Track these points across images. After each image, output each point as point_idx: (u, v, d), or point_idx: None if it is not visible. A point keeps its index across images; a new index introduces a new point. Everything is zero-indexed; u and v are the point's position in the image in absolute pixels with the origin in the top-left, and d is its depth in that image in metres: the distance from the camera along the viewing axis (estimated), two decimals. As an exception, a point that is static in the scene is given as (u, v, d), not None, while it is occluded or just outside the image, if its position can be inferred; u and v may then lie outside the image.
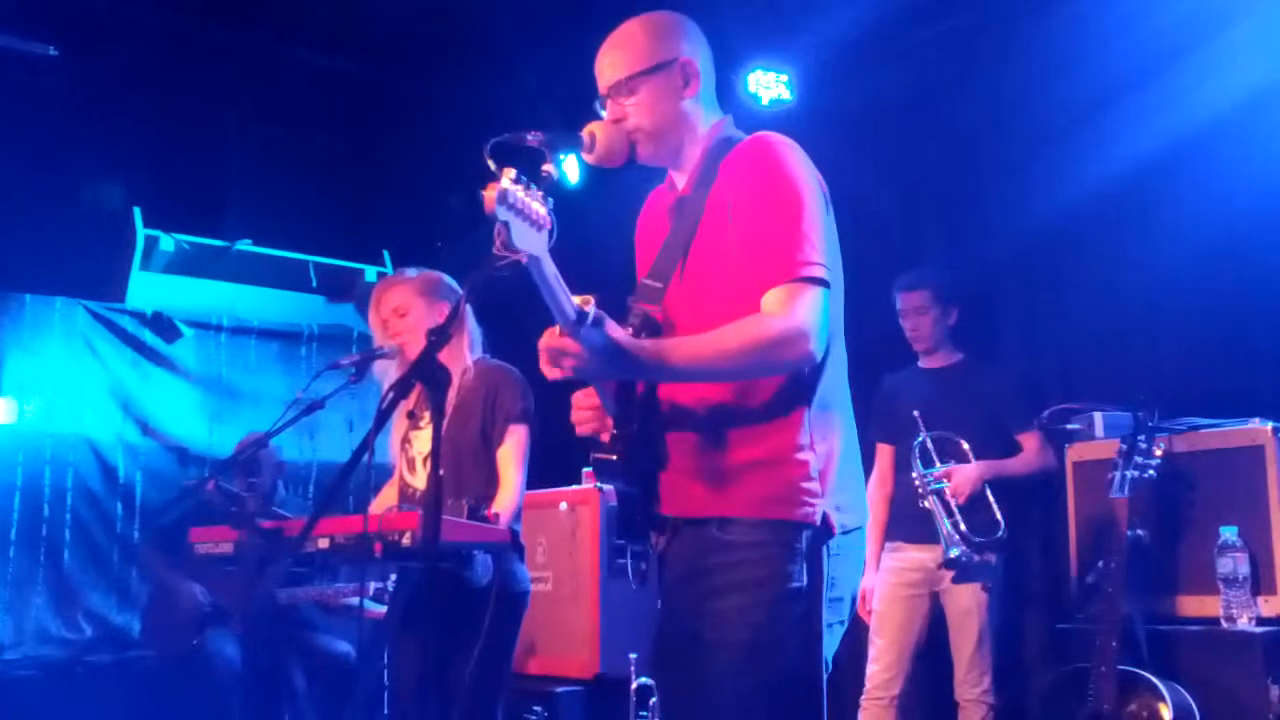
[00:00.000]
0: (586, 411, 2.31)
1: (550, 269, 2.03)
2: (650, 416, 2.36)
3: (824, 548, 2.33)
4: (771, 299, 2.26)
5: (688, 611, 2.35)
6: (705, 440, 2.34)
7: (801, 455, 2.31)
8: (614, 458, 2.33)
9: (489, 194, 1.91)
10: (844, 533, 2.36)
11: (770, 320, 2.23)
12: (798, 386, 2.33)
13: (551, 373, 2.14)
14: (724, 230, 2.37)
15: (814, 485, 2.31)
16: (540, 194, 1.99)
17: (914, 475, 4.39)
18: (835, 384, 2.41)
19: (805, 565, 2.29)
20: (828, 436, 2.37)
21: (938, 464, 4.39)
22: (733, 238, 2.35)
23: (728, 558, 2.29)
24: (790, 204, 2.31)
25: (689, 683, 2.33)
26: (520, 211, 1.94)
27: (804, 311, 2.23)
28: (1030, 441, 4.54)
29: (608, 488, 5.30)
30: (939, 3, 5.23)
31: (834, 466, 2.37)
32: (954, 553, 4.21)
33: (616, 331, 2.13)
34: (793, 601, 2.28)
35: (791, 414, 2.32)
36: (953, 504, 4.31)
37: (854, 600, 2.49)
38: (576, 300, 2.06)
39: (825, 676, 2.36)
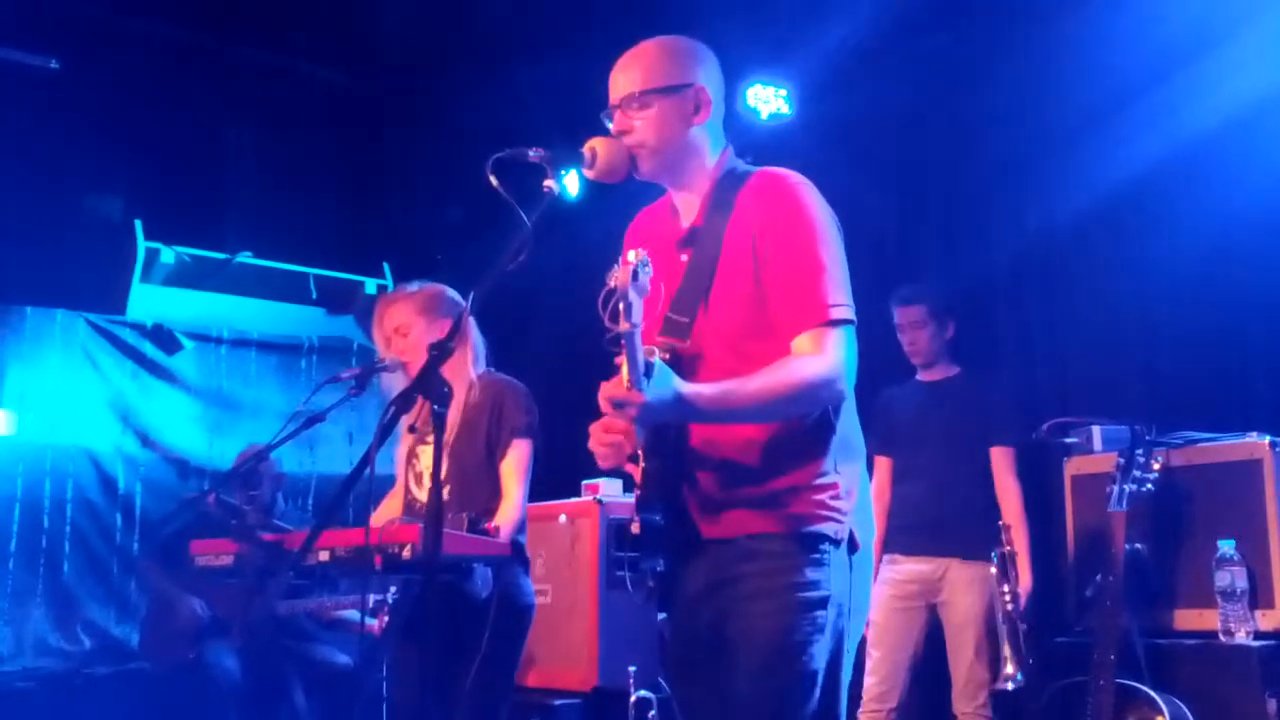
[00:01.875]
0: (607, 448, 2.32)
1: (639, 333, 2.11)
2: (683, 448, 2.42)
3: (850, 560, 2.42)
4: (804, 342, 2.35)
5: (713, 619, 2.40)
6: (740, 472, 2.40)
7: (829, 479, 2.41)
8: (653, 492, 2.38)
9: (622, 276, 2.04)
10: (862, 550, 2.46)
11: (807, 364, 2.32)
12: (825, 419, 2.42)
13: (611, 414, 2.19)
14: (747, 265, 2.42)
15: (843, 504, 2.41)
16: (650, 263, 2.11)
17: (1005, 592, 4.34)
18: (851, 413, 2.50)
19: (833, 575, 2.37)
20: (849, 461, 2.46)
21: (1009, 580, 4.35)
22: (758, 275, 2.41)
23: (757, 565, 2.36)
24: (817, 247, 2.40)
25: (714, 687, 2.38)
26: (643, 289, 2.07)
27: (835, 354, 2.34)
28: (1001, 462, 4.54)
29: (607, 500, 5.32)
30: (936, 17, 5.26)
31: (857, 488, 2.47)
32: (1013, 683, 4.22)
33: (679, 383, 2.20)
34: (820, 607, 2.35)
35: (820, 444, 2.41)
36: (1020, 628, 4.29)
37: (865, 614, 2.55)
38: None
39: (847, 683, 2.43)
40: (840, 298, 2.38)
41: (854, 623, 2.44)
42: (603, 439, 2.29)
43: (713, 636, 2.40)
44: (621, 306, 2.04)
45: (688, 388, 2.22)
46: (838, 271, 2.40)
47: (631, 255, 2.06)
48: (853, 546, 2.42)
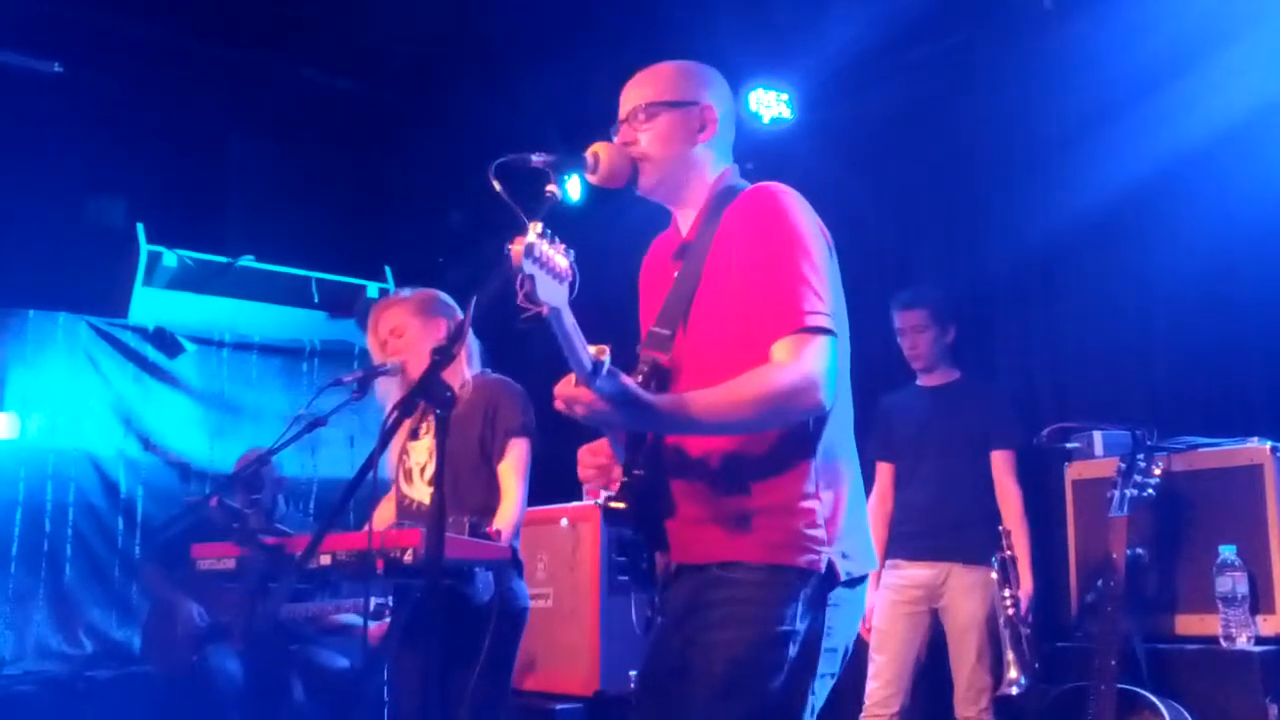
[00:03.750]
0: (591, 470, 2.31)
1: (569, 320, 2.04)
2: (658, 464, 2.38)
3: (826, 596, 2.32)
4: (780, 349, 2.28)
5: (680, 645, 2.35)
6: (712, 489, 2.36)
7: (807, 503, 2.32)
8: (623, 505, 2.34)
9: (515, 248, 1.93)
10: (848, 582, 2.35)
11: (780, 371, 2.25)
12: (804, 435, 2.34)
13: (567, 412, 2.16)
14: (728, 278, 2.39)
15: (820, 533, 2.31)
16: (563, 247, 2.02)
17: (1006, 597, 4.31)
18: (840, 432, 2.42)
19: (803, 611, 2.29)
20: (834, 484, 2.37)
21: (1010, 585, 4.32)
22: (737, 286, 2.37)
23: (725, 593, 2.30)
24: (795, 254, 2.34)
25: (669, 712, 2.34)
26: (545, 265, 1.97)
27: (812, 361, 2.25)
28: (1001, 466, 4.54)
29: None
30: (937, 23, 5.26)
31: (841, 513, 2.36)
32: (1018, 688, 4.19)
33: (629, 384, 2.15)
34: (783, 645, 2.27)
35: (798, 462, 2.33)
36: (1023, 633, 4.27)
37: (847, 652, 2.44)
38: (592, 350, 2.09)
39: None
40: (818, 306, 2.30)
41: (825, 662, 2.33)
42: (588, 462, 2.29)
43: (678, 662, 2.34)
44: (527, 287, 1.95)
45: (640, 392, 2.17)
46: (817, 280, 2.32)
47: (530, 231, 1.95)
48: (832, 579, 2.31)
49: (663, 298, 2.50)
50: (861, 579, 2.41)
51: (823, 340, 2.28)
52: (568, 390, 2.11)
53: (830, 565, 2.31)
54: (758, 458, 2.33)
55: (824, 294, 2.32)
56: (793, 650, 2.27)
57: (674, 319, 2.44)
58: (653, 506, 2.38)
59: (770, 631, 2.26)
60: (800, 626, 2.28)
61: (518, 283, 1.95)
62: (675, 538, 2.41)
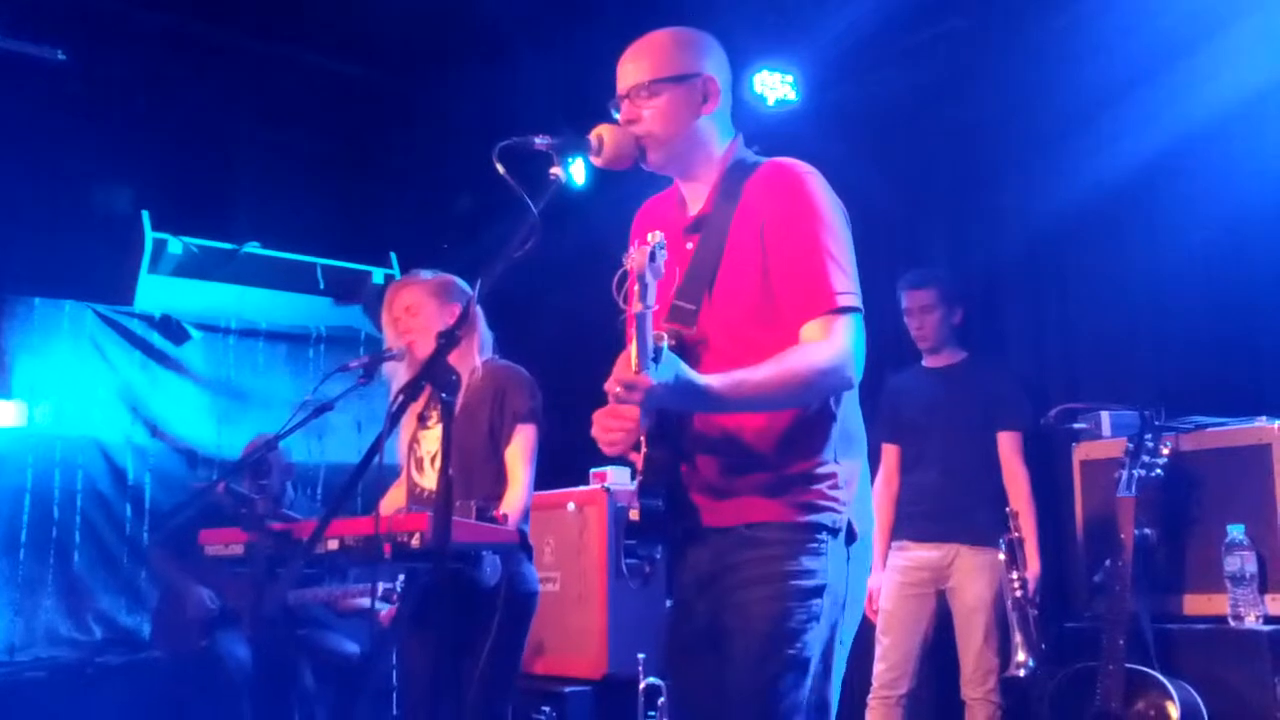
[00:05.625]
0: (617, 434, 2.30)
1: (650, 316, 2.12)
2: (684, 434, 2.43)
3: (849, 550, 2.43)
4: (812, 329, 2.36)
5: (711, 607, 2.42)
6: (739, 461, 2.41)
7: (828, 469, 2.41)
8: (655, 479, 2.39)
9: (639, 258, 2.06)
10: (860, 538, 2.46)
11: (815, 351, 2.33)
12: (825, 408, 2.43)
13: (618, 395, 2.18)
14: (753, 253, 2.43)
15: (842, 494, 2.41)
16: (664, 254, 2.14)
17: (1014, 579, 4.29)
18: (852, 405, 2.50)
19: (830, 565, 2.38)
20: (848, 452, 2.47)
21: (1018, 567, 4.30)
22: (764, 262, 2.41)
23: (754, 553, 2.37)
24: (825, 236, 2.40)
25: (708, 675, 2.39)
26: (659, 271, 2.10)
27: (843, 341, 2.35)
28: (1008, 447, 4.53)
29: (616, 489, 5.32)
30: (944, 3, 5.23)
31: (856, 480, 2.47)
32: (1026, 670, 4.18)
33: (686, 369, 2.19)
34: (815, 597, 2.36)
35: (820, 434, 2.42)
36: (1031, 614, 4.26)
37: (861, 604, 2.55)
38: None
39: (842, 673, 2.44)
40: (848, 285, 2.39)
41: (849, 613, 2.45)
42: (610, 425, 2.28)
43: (709, 625, 2.41)
44: (637, 289, 2.05)
45: (696, 377, 2.21)
46: (845, 260, 2.42)
47: (650, 237, 2.08)
48: (850, 537, 2.43)
49: (675, 270, 2.50)
50: (865, 538, 2.50)
51: (851, 319, 2.37)
52: (627, 375, 2.13)
53: (849, 524, 2.42)
54: (785, 429, 2.40)
55: (851, 273, 2.42)
56: (825, 602, 2.37)
57: (697, 293, 2.46)
58: (680, 477, 2.43)
59: (802, 585, 2.35)
60: (830, 580, 2.37)
61: (614, 283, 2.11)
62: (703, 506, 2.45)
